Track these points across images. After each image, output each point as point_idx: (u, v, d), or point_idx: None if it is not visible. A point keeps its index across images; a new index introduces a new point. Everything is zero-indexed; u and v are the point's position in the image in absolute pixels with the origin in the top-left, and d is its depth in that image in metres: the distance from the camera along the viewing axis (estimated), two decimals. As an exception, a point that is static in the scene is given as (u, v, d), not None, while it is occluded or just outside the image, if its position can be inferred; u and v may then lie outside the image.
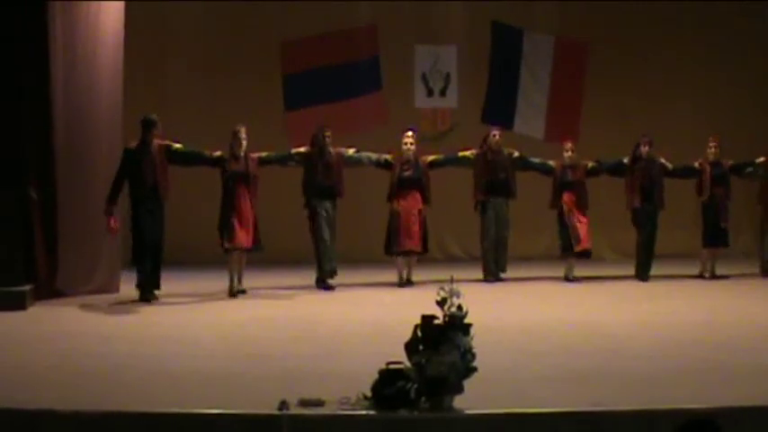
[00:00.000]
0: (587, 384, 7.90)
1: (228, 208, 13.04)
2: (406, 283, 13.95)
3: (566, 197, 14.36)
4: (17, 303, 11.88)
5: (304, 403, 7.04)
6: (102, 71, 13.47)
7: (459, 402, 6.95)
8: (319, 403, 7.06)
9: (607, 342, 9.80)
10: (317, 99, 16.50)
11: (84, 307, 12.18)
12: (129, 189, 12.65)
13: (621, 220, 14.98)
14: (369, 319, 11.42)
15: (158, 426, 6.95)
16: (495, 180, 14.27)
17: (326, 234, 13.55)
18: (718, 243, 14.69)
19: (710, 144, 14.67)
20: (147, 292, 12.61)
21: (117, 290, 13.12)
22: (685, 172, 14.78)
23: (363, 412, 6.92)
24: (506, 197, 14.40)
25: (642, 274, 14.43)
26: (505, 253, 14.49)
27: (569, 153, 14.52)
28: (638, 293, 13.32)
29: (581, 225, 14.31)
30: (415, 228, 13.86)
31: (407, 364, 6.98)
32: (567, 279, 14.37)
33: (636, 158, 14.49)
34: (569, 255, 14.40)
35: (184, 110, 16.58)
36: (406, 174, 13.91)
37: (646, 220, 14.47)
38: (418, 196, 13.92)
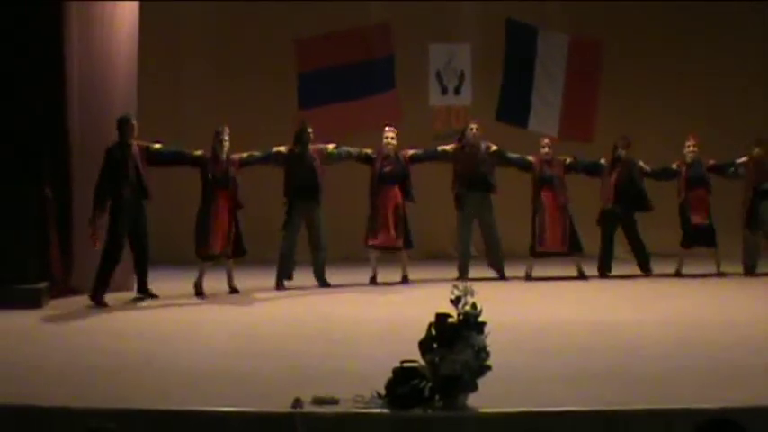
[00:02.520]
0: (601, 383, 7.88)
1: (205, 213, 12.87)
2: (401, 280, 13.89)
3: (544, 194, 14.33)
4: (33, 301, 11.92)
5: (318, 401, 7.04)
6: (117, 71, 13.51)
7: (473, 401, 6.94)
8: (333, 401, 7.06)
9: (621, 341, 9.79)
10: (330, 98, 16.48)
11: (98, 305, 12.20)
12: (110, 191, 12.37)
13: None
14: (382, 317, 11.42)
15: (173, 423, 6.97)
16: (473, 174, 14.22)
17: (292, 239, 13.51)
18: (701, 243, 14.64)
19: (688, 144, 14.65)
20: (101, 295, 12.25)
21: (131, 288, 13.13)
22: (663, 174, 14.80)
23: (377, 410, 6.93)
24: (485, 191, 14.33)
25: (603, 271, 14.51)
26: (499, 252, 14.40)
27: (546, 149, 14.47)
28: (652, 292, 13.28)
29: (553, 226, 14.25)
30: (393, 223, 13.77)
31: (421, 362, 6.98)
32: (527, 276, 14.27)
33: (614, 160, 14.50)
34: (536, 256, 14.36)
35: (198, 109, 16.62)
36: (387, 169, 13.85)
37: (611, 223, 14.53)
38: (398, 192, 13.84)
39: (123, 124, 12.53)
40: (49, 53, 12.67)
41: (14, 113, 12.40)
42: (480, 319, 6.95)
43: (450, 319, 6.94)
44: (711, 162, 14.75)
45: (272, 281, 13.61)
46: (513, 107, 16.78)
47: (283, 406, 6.93)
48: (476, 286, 7.02)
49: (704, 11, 17.50)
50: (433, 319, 7.00)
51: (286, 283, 13.60)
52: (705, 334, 10.21)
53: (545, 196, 14.32)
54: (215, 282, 13.23)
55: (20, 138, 12.36)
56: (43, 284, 12.20)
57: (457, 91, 17.77)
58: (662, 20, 17.61)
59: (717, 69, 17.64)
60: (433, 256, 16.39)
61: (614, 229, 14.60)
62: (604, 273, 14.57)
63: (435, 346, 6.96)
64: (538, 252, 14.33)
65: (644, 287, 13.80)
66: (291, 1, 17.07)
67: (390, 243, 13.82)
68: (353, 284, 13.86)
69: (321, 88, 16.42)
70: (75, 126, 12.89)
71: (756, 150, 14.58)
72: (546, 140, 14.65)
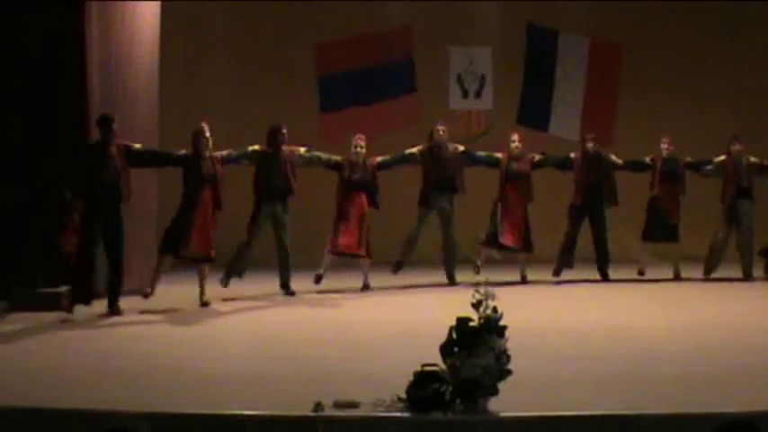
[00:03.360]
0: (621, 387, 7.87)
1: (188, 211, 12.33)
2: (361, 288, 13.76)
3: (509, 189, 14.26)
4: (53, 304, 11.92)
5: (339, 405, 7.05)
6: (138, 71, 13.55)
7: (493, 405, 6.94)
8: (354, 405, 7.07)
9: (641, 345, 9.77)
10: (351, 101, 16.55)
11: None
12: (86, 191, 11.88)
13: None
14: (402, 321, 11.41)
15: (193, 427, 6.99)
16: (440, 176, 14.18)
17: (254, 241, 13.30)
18: (663, 237, 14.63)
19: (663, 141, 14.62)
20: (76, 303, 11.78)
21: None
22: (636, 166, 14.77)
23: (398, 414, 6.93)
24: (452, 193, 14.28)
25: (559, 269, 14.48)
26: (454, 258, 14.40)
27: (516, 143, 14.36)
28: (672, 296, 13.26)
29: (512, 222, 14.21)
30: (357, 231, 13.67)
31: (442, 366, 6.98)
32: (476, 267, 14.10)
33: (583, 155, 14.51)
34: (491, 246, 14.31)
35: (219, 111, 16.61)
36: (354, 176, 13.73)
37: (579, 218, 14.51)
38: (364, 199, 13.76)
39: (105, 124, 11.93)
40: (71, 53, 12.68)
41: (35, 117, 12.44)
42: (501, 323, 6.95)
43: (471, 323, 6.95)
44: (688, 159, 14.72)
45: (296, 285, 13.61)
46: (534, 110, 16.82)
47: (304, 410, 6.94)
48: (496, 290, 7.01)
49: (726, 12, 17.45)
50: (453, 322, 7.01)
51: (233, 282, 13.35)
52: (724, 338, 10.18)
53: (509, 191, 14.26)
54: (245, 284, 13.26)
55: (40, 139, 12.39)
56: (63, 288, 12.22)
57: (478, 94, 17.76)
58: (683, 22, 17.56)
59: (739, 71, 17.60)
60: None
61: (580, 224, 14.56)
62: (559, 272, 14.52)
63: (456, 349, 6.96)
64: (498, 243, 14.23)
65: (662, 291, 13.77)
66: (313, 4, 17.09)
67: (353, 250, 13.71)
68: (385, 287, 13.89)
69: (341, 92, 16.50)
70: (95, 129, 12.87)
71: (734, 147, 14.54)
72: (515, 135, 14.52)
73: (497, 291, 7.01)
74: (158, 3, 13.82)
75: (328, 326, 11.15)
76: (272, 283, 13.46)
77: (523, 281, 14.29)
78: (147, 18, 13.66)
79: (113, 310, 11.85)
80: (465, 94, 17.78)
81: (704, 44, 17.60)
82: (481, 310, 6.93)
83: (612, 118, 16.92)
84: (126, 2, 13.45)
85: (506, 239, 14.22)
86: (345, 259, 13.90)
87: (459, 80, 17.74)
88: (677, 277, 14.58)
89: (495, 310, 6.95)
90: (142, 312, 12.00)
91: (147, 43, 13.65)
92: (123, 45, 13.37)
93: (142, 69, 13.58)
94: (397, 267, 14.35)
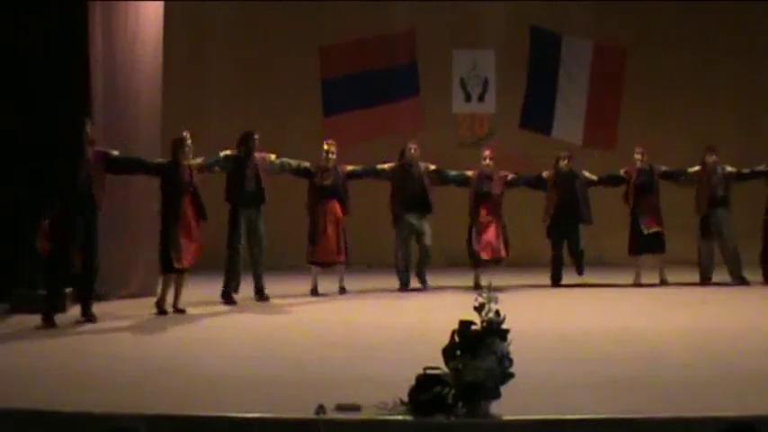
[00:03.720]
0: (624, 391, 7.86)
1: (173, 226, 12.01)
2: (338, 291, 13.80)
3: (481, 209, 14.21)
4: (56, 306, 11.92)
5: (341, 408, 7.04)
6: (141, 72, 13.54)
7: (495, 408, 6.93)
8: (356, 408, 7.06)
9: (644, 349, 9.76)
10: (354, 104, 16.57)
11: (121, 310, 12.23)
12: (59, 196, 11.63)
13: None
14: (404, 324, 11.41)
15: (194, 429, 6.98)
16: (411, 194, 14.12)
17: (242, 247, 13.11)
18: (651, 250, 14.58)
19: (637, 152, 14.59)
20: (53, 313, 11.40)
21: (154, 293, 13.12)
22: (610, 180, 14.82)
23: (400, 417, 6.92)
24: (422, 212, 14.23)
25: (555, 282, 14.57)
26: (425, 264, 14.34)
27: (487, 161, 14.31)
28: (674, 300, 13.24)
29: (489, 235, 14.16)
30: (334, 238, 13.66)
31: (444, 369, 6.98)
32: (476, 286, 13.97)
33: (556, 173, 14.46)
34: (477, 263, 14.25)
35: (222, 113, 16.67)
36: (325, 183, 13.69)
37: (559, 236, 14.51)
38: (337, 206, 13.73)
39: (83, 127, 11.68)
40: (74, 52, 12.69)
41: (36, 117, 12.43)
42: (503, 326, 6.94)
43: (473, 327, 6.94)
44: (663, 169, 14.70)
45: (293, 288, 13.62)
46: (537, 114, 16.85)
47: (306, 412, 6.93)
48: (498, 294, 7.01)
49: (730, 15, 17.46)
50: (456, 326, 7.00)
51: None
52: (727, 342, 10.17)
53: (482, 211, 14.22)
54: (249, 287, 13.25)
55: (43, 140, 12.37)
56: (67, 290, 12.20)
57: (481, 98, 17.78)
58: (687, 23, 17.57)
59: (745, 72, 17.59)
60: (452, 264, 16.28)
61: (561, 244, 14.59)
62: (556, 283, 14.59)
63: (458, 353, 6.95)
64: (481, 260, 14.20)
65: (664, 295, 13.78)
66: (316, 6, 17.11)
67: (331, 258, 13.70)
68: (385, 290, 13.97)
69: (345, 95, 16.52)
70: (99, 127, 12.85)
71: (708, 158, 14.53)
72: (487, 152, 14.48)
73: (499, 294, 7.01)
74: (161, 3, 13.82)
75: (330, 329, 11.14)
76: (274, 286, 13.46)
77: (477, 287, 14.00)
78: (150, 18, 13.65)
79: (88, 316, 11.59)
80: (468, 98, 17.80)
81: (709, 45, 17.61)
82: (483, 313, 6.92)
83: (616, 121, 16.95)
84: (129, 2, 13.45)
85: (484, 254, 14.17)
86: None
87: (462, 83, 17.76)
88: (664, 283, 14.56)
89: (497, 313, 6.94)
90: (146, 314, 12.01)
91: (150, 43, 13.64)
92: (126, 45, 13.37)
93: (145, 70, 13.57)
94: (421, 282, 14.29)
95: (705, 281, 14.53)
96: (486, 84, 17.76)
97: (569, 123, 17.03)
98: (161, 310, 12.08)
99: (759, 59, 17.61)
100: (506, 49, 17.64)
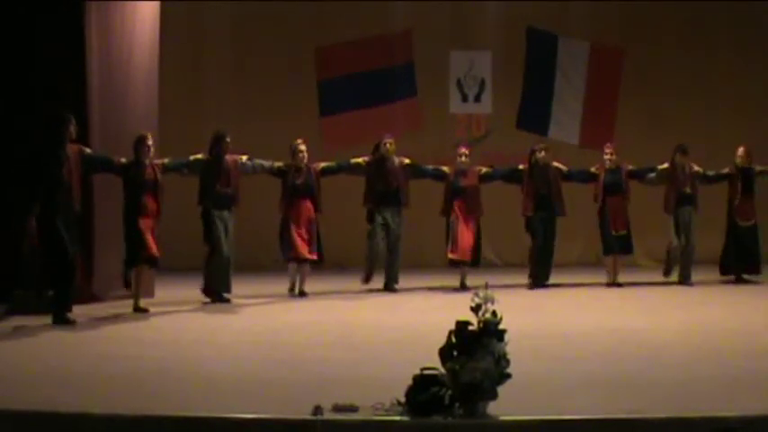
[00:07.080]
0: (621, 391, 7.86)
1: (134, 221, 12.21)
2: (298, 294, 13.70)
3: (456, 204, 14.19)
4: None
5: (338, 409, 7.04)
6: (138, 72, 13.55)
7: (493, 409, 6.93)
8: (353, 409, 7.05)
9: (642, 349, 9.76)
10: (351, 105, 16.58)
11: (119, 311, 12.23)
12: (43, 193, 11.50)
13: (656, 227, 14.95)
14: (402, 324, 11.41)
15: (192, 430, 6.97)
16: (386, 189, 14.11)
17: (225, 248, 13.05)
18: (618, 250, 14.56)
19: (606, 151, 14.59)
20: (66, 312, 11.49)
21: (152, 294, 13.14)
22: (580, 176, 14.75)
23: (397, 418, 6.92)
24: (397, 206, 14.20)
25: (537, 281, 14.39)
26: (396, 263, 14.29)
27: (463, 158, 14.31)
28: (673, 300, 13.27)
29: (464, 235, 14.13)
30: (307, 237, 13.64)
31: (441, 369, 6.97)
32: (462, 287, 14.03)
33: (532, 165, 14.40)
34: (454, 263, 14.21)
35: (219, 113, 16.66)
36: (297, 182, 13.64)
37: (539, 228, 14.41)
38: (309, 205, 13.69)
39: (66, 123, 11.61)
40: (70, 54, 12.70)
41: (34, 120, 12.41)
42: (500, 326, 6.94)
43: (470, 327, 6.94)
44: (630, 167, 14.69)
45: (269, 288, 13.55)
46: (534, 115, 16.87)
47: (303, 413, 6.93)
48: (495, 294, 7.01)
49: (728, 15, 17.47)
50: (452, 326, 7.00)
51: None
52: (725, 342, 10.17)
53: (457, 206, 14.19)
54: (248, 287, 13.26)
55: (40, 141, 12.35)
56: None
57: (477, 98, 17.78)
58: (684, 23, 17.59)
59: (741, 74, 17.60)
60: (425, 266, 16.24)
61: (541, 232, 14.44)
62: (537, 283, 14.40)
63: (455, 353, 6.94)
64: (452, 259, 14.18)
65: (662, 295, 13.81)
66: (313, 7, 17.11)
67: (305, 255, 13.60)
68: (372, 291, 13.94)
69: (342, 95, 16.54)
70: (95, 128, 12.85)
71: (678, 157, 14.55)
72: (462, 149, 14.50)
73: (496, 294, 7.00)
74: (158, 3, 13.83)
75: (327, 329, 11.14)
76: (270, 287, 13.47)
77: (462, 288, 14.06)
78: (147, 18, 13.66)
79: (63, 320, 11.40)
80: (465, 99, 17.80)
81: (707, 46, 17.62)
82: (480, 313, 6.91)
83: (613, 122, 16.97)
84: (126, 2, 13.46)
85: (453, 254, 14.14)
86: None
87: (459, 84, 17.76)
88: (614, 284, 14.49)
89: (494, 313, 6.94)
90: (144, 315, 12.01)
91: (146, 44, 13.64)
92: (123, 46, 13.38)
93: (142, 70, 13.58)
94: (392, 281, 14.29)
95: (667, 275, 14.64)
96: (482, 84, 17.76)
97: (566, 124, 17.06)
98: (137, 308, 12.26)
99: (757, 60, 17.62)
100: (503, 50, 17.65)
